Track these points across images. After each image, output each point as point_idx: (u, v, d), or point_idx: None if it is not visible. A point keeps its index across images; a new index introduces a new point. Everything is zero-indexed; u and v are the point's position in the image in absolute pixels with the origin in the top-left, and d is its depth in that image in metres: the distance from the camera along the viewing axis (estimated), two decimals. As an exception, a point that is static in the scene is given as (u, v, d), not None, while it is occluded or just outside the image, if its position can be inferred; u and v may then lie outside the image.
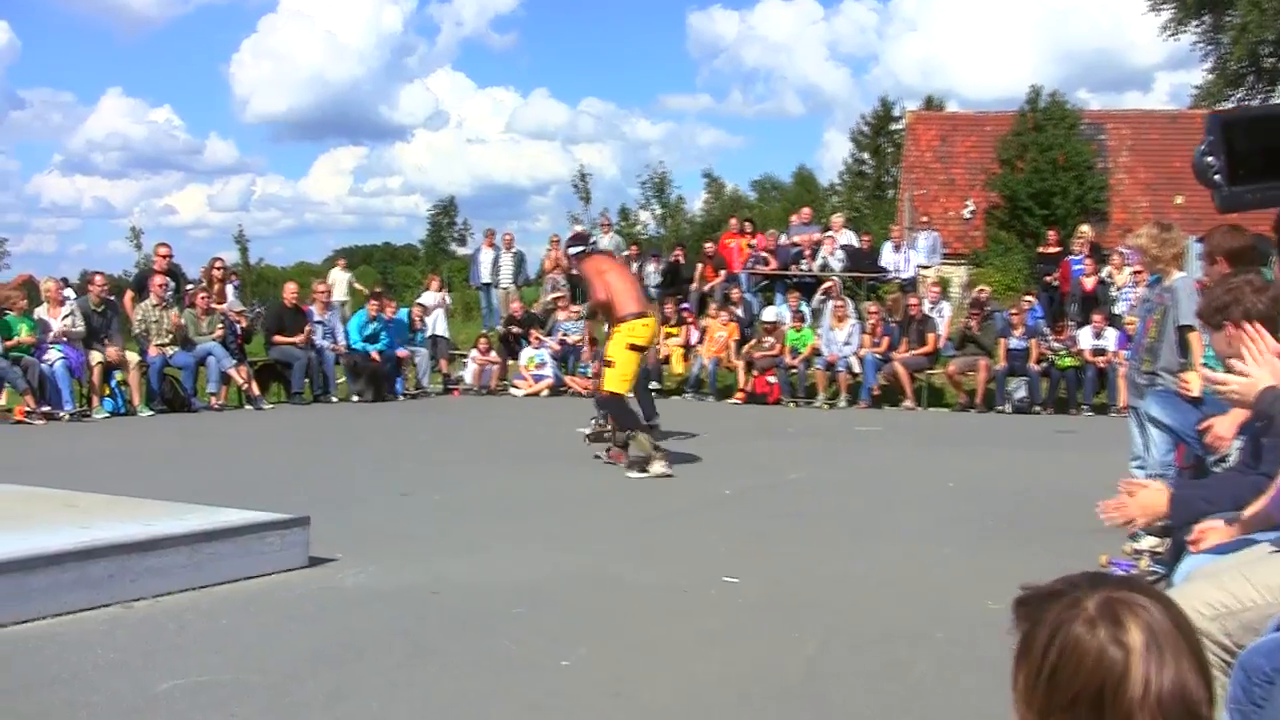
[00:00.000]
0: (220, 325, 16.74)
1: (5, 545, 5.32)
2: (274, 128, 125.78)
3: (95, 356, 15.15)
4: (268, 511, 6.38)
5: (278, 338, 17.55)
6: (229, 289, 18.53)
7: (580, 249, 11.43)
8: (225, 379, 16.38)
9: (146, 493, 7.27)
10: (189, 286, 17.61)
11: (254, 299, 24.35)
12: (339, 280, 22.08)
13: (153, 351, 15.73)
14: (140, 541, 5.59)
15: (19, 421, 14.08)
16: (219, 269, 18.68)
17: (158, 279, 16.43)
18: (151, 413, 15.32)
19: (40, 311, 15.33)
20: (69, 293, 16.30)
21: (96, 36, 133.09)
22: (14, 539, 5.51)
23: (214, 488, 6.60)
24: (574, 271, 11.09)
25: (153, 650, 4.79)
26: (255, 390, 16.71)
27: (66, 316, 15.26)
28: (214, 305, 17.08)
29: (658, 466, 9.82)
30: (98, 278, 16.99)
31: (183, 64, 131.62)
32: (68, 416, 14.57)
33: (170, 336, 16.01)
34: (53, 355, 14.77)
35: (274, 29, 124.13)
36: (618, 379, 10.45)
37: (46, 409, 14.43)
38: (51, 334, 14.97)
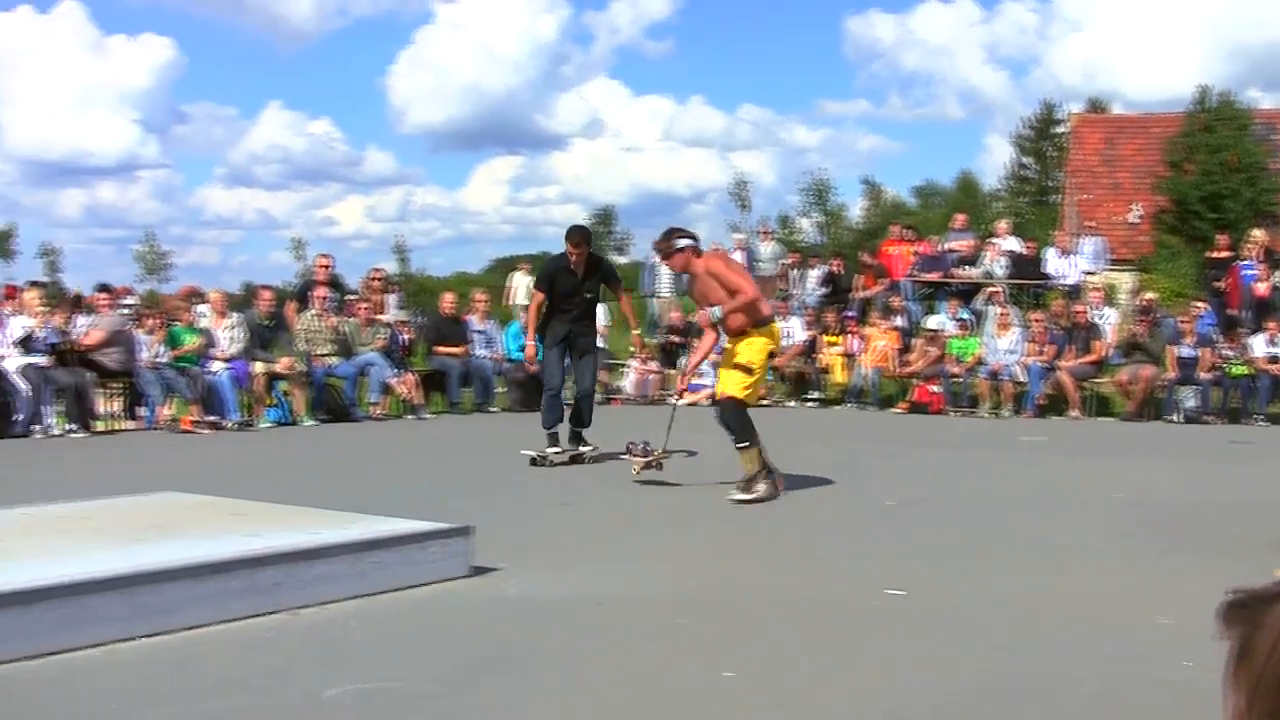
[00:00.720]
0: (382, 335, 16.98)
1: (175, 553, 5.43)
2: (432, 138, 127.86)
3: (259, 367, 15.46)
4: (430, 521, 6.41)
5: (438, 348, 17.73)
6: (391, 299, 18.78)
7: (691, 242, 9.75)
8: (386, 389, 16.60)
9: (310, 501, 7.37)
10: (350, 297, 17.90)
11: (415, 309, 24.64)
12: (520, 284, 22.13)
13: (315, 362, 16.01)
14: (306, 550, 5.66)
15: (185, 431, 14.40)
16: (378, 279, 18.94)
17: (320, 290, 16.72)
18: (314, 422, 15.58)
19: (206, 322, 15.72)
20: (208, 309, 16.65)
21: (257, 51, 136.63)
22: (183, 546, 5.62)
23: (376, 497, 6.67)
24: (676, 267, 9.85)
25: (319, 656, 4.85)
26: (420, 399, 16.88)
27: (232, 329, 15.61)
28: (375, 316, 17.33)
29: (762, 488, 9.00)
30: (265, 292, 17.34)
31: (341, 77, 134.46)
32: (233, 426, 14.89)
33: (333, 347, 16.28)
34: (218, 366, 15.12)
35: (430, 40, 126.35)
36: (754, 387, 9.39)
37: (212, 419, 14.76)
38: (216, 349, 15.32)
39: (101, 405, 14.94)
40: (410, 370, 17.23)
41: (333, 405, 16.24)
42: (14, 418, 13.74)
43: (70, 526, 6.36)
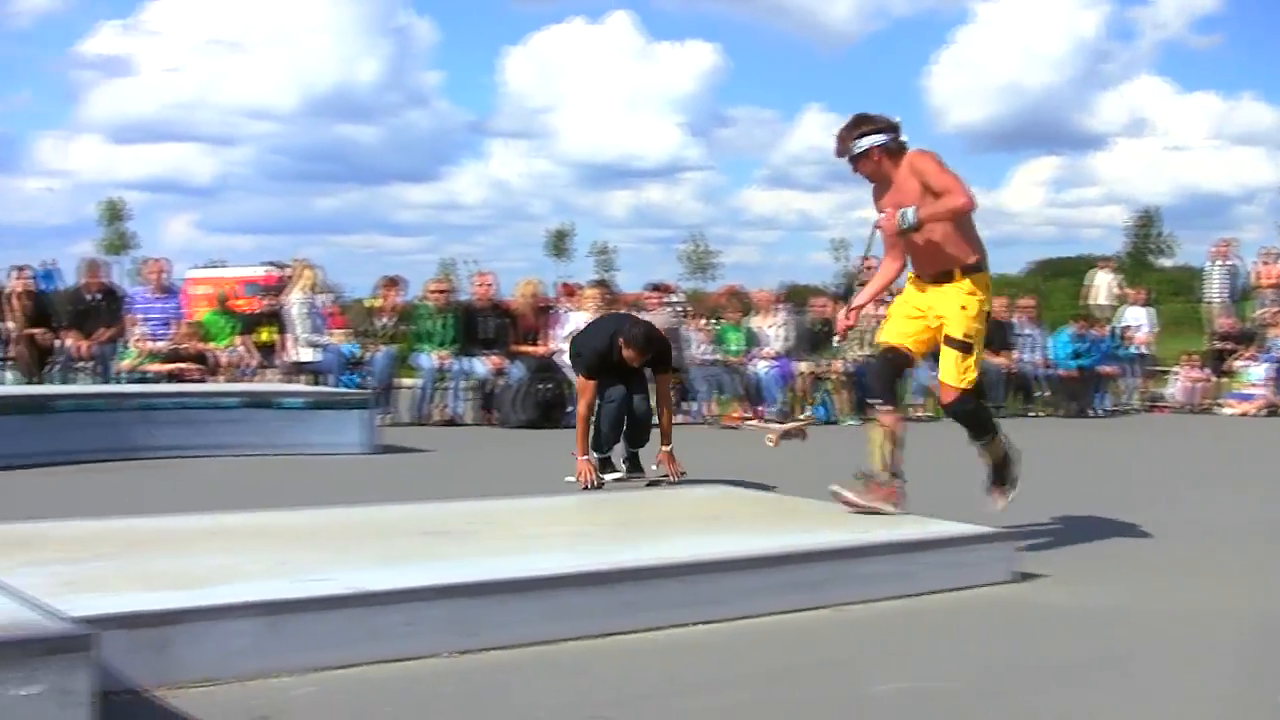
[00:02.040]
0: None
1: (723, 545, 5.72)
2: (970, 138, 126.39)
3: (804, 366, 15.82)
4: (972, 524, 6.41)
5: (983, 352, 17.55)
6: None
7: (884, 138, 6.69)
8: (927, 391, 16.59)
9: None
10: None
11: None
12: (1101, 283, 21.66)
13: (860, 362, 16.22)
14: (856, 548, 5.80)
15: (728, 426, 14.92)
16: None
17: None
18: (856, 422, 15.76)
19: (753, 321, 16.25)
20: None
21: (797, 54, 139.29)
22: (736, 539, 5.88)
23: (910, 497, 6.70)
24: (865, 174, 6.81)
25: (865, 653, 4.94)
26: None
27: (779, 327, 16.07)
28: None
29: (1017, 472, 7.12)
30: (818, 299, 17.71)
31: (878, 78, 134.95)
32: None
33: (871, 348, 16.40)
34: (764, 363, 15.59)
35: (970, 40, 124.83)
36: (975, 367, 6.79)
37: (757, 414, 15.23)
38: (762, 347, 15.81)
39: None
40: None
41: (873, 405, 16.34)
42: (568, 409, 14.69)
43: (632, 515, 6.77)
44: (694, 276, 74.63)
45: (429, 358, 14.66)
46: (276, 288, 15.50)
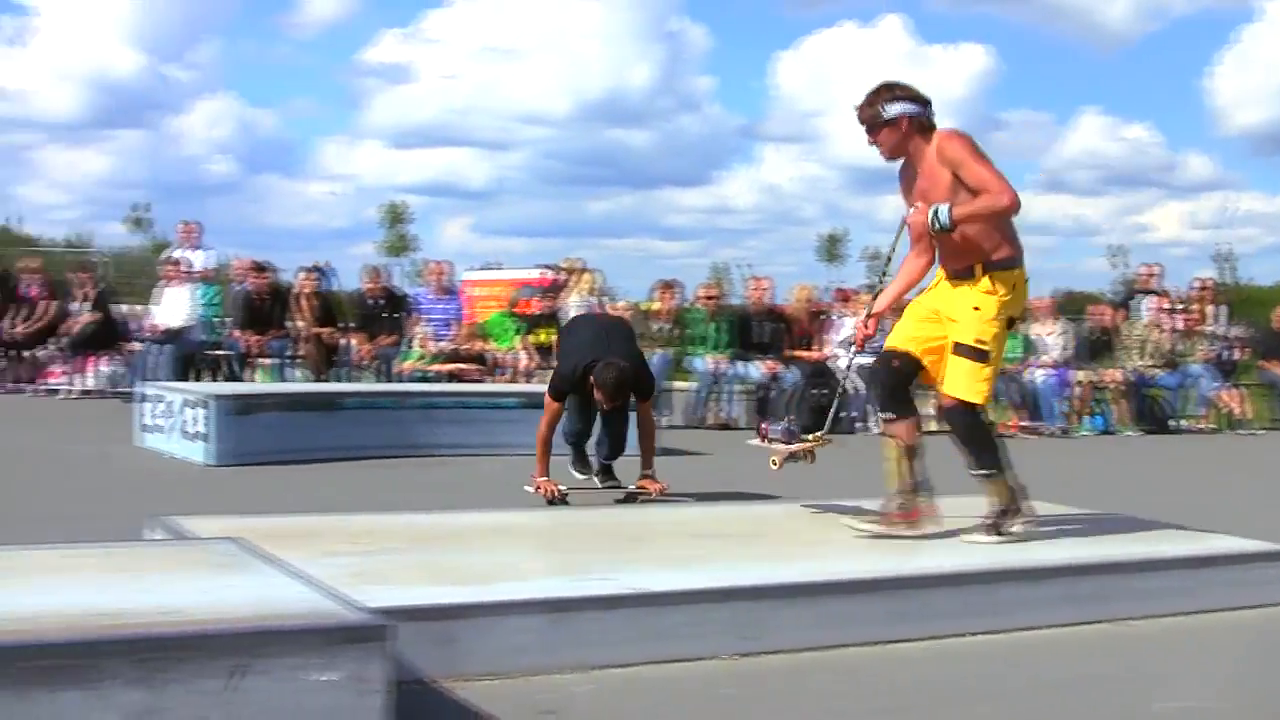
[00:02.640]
0: (1208, 347, 16.42)
1: (998, 557, 5.63)
2: (1254, 141, 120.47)
3: (1083, 375, 15.43)
4: (1259, 541, 6.16)
5: (1262, 362, 16.86)
6: (1216, 310, 18.10)
7: (913, 108, 5.92)
8: (1209, 402, 16.03)
9: (1122, 510, 7.27)
10: (1175, 306, 17.47)
11: (1240, 319, 23.52)
12: None
13: (1139, 372, 15.78)
14: (1134, 562, 5.65)
15: (1003, 435, 14.63)
16: (1205, 288, 18.31)
17: (1154, 299, 16.51)
18: (1134, 432, 15.33)
19: (1030, 328, 15.90)
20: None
21: (1073, 56, 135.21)
22: (1016, 549, 5.79)
23: (1193, 512, 6.46)
24: (885, 149, 6.01)
25: (1146, 669, 4.83)
26: (1247, 413, 16.17)
27: (1057, 335, 15.71)
28: (1199, 326, 16.78)
29: (1018, 527, 6.03)
30: (1096, 306, 17.28)
31: (1158, 79, 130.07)
32: (1053, 432, 14.96)
33: (1158, 358, 15.95)
34: (1041, 372, 15.25)
35: (1256, 37, 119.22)
36: (991, 380, 5.95)
37: (1033, 424, 14.91)
38: (1041, 355, 15.47)
39: (926, 406, 15.47)
40: (1237, 384, 16.51)
41: (1154, 416, 15.89)
42: (843, 415, 14.63)
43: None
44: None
45: (704, 361, 14.79)
46: (552, 290, 15.83)
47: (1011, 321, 5.98)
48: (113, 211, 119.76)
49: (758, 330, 15.26)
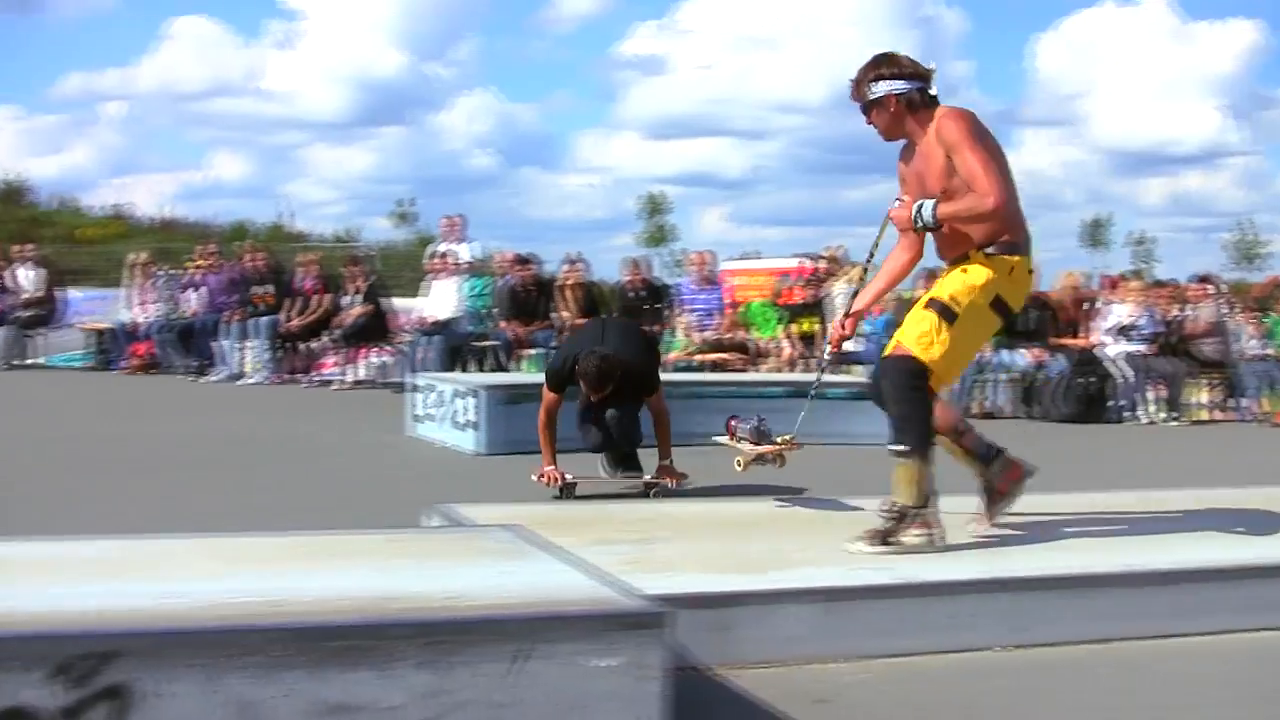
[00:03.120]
0: None
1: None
2: None
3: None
4: None
5: None
6: None
7: (902, 85, 5.41)
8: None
9: None
10: None
11: None
12: None
13: None
14: None
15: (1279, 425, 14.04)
16: None
17: None
18: None
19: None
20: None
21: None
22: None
23: None
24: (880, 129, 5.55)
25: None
26: None
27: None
28: None
29: (911, 536, 5.19)
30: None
31: None
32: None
33: None
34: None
35: None
36: (949, 346, 5.20)
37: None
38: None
39: (1196, 395, 14.91)
40: None
41: None
42: (1110, 403, 14.21)
43: (1183, 516, 6.40)
44: (1238, 267, 69.96)
45: (969, 350, 14.52)
46: (812, 279, 15.71)
47: (1007, 311, 5.40)
48: (378, 206, 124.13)
49: (1022, 318, 14.88)
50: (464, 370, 14.56)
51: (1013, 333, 14.56)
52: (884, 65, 5.41)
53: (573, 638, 3.32)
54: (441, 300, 15.91)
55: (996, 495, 5.64)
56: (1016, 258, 5.30)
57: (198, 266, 17.66)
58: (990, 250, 5.27)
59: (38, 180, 45.56)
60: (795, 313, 15.00)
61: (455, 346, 15.31)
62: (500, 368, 14.98)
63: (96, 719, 2.95)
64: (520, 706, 3.24)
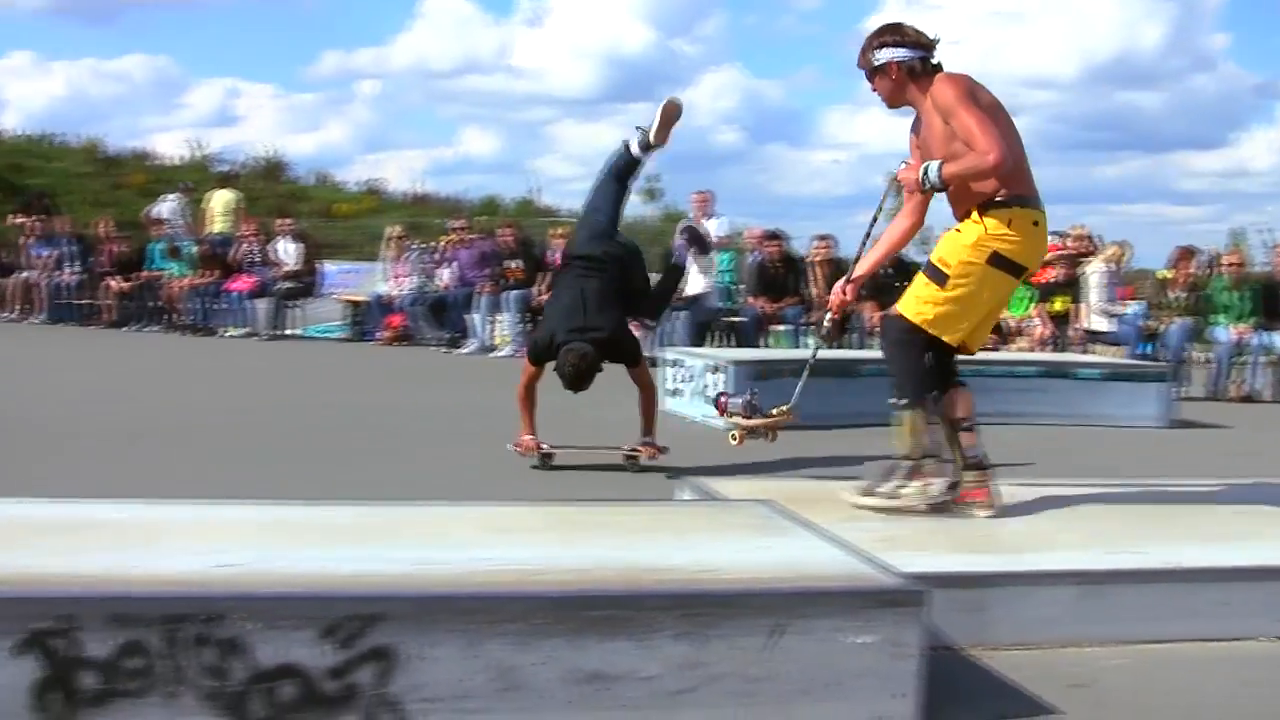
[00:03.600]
0: None
1: None
2: None
3: None
4: None
5: None
6: None
7: (904, 54, 5.46)
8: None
9: None
10: None
11: None
12: None
13: None
14: None
15: None
16: None
17: None
18: None
19: None
20: None
21: None
22: None
23: None
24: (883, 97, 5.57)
25: None
26: None
27: None
28: None
29: (911, 490, 5.34)
30: None
31: None
32: None
33: None
34: None
35: None
36: (947, 306, 5.29)
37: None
38: None
39: None
40: None
41: None
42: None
43: None
44: None
45: (1226, 331, 13.99)
46: (1065, 257, 15.31)
47: (1014, 267, 5.30)
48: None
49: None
50: (713, 344, 14.62)
51: (1273, 314, 14.01)
52: (888, 34, 5.50)
53: (830, 614, 3.35)
54: (692, 275, 16.00)
55: (956, 498, 5.41)
56: (1016, 208, 5.26)
57: (450, 241, 18.11)
58: (992, 206, 5.25)
59: (296, 157, 47.33)
60: (1048, 291, 14.65)
61: (704, 321, 15.40)
62: (746, 343, 15.02)
63: (363, 679, 3.10)
64: (774, 681, 3.29)
